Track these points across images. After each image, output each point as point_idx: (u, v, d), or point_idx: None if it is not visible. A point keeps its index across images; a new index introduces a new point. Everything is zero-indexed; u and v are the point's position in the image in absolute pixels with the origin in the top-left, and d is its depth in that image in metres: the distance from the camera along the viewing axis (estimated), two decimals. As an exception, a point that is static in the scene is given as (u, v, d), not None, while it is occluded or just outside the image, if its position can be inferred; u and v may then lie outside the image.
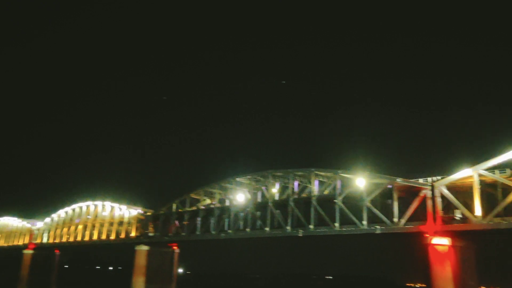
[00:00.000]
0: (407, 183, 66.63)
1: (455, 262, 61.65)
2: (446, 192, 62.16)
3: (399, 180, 67.07)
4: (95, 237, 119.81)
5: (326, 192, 77.86)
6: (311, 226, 74.99)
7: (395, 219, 65.91)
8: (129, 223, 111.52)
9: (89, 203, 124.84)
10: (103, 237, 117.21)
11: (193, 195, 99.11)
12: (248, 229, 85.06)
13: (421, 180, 66.48)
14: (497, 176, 59.03)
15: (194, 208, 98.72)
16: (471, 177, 60.37)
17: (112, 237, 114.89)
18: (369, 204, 68.52)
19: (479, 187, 59.47)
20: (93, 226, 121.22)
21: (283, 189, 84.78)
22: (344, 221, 71.43)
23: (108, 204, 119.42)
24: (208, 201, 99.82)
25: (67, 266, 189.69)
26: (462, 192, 62.98)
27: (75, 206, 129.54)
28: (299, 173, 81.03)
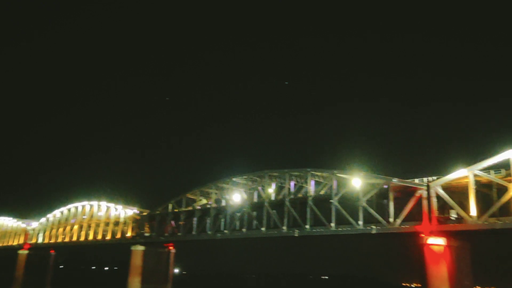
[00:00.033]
0: (403, 183, 66.82)
1: (450, 262, 61.91)
2: (441, 192, 62.38)
3: (395, 180, 67.25)
4: (90, 237, 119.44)
5: (322, 192, 77.98)
6: (307, 226, 75.05)
7: (391, 219, 66.07)
8: (125, 223, 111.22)
9: (85, 203, 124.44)
10: (99, 237, 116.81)
11: (189, 195, 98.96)
12: (244, 229, 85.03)
13: (416, 181, 66.68)
14: (492, 177, 59.30)
15: (190, 208, 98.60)
16: (466, 177, 60.63)
17: (108, 237, 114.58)
18: (365, 204, 68.65)
19: (475, 187, 59.76)
20: (89, 226, 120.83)
21: (279, 189, 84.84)
22: (340, 221, 71.54)
23: (103, 204, 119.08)
24: (204, 201, 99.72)
25: (62, 267, 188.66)
26: (458, 192, 63.26)
27: (71, 206, 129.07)
28: (295, 173, 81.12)
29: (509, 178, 57.71)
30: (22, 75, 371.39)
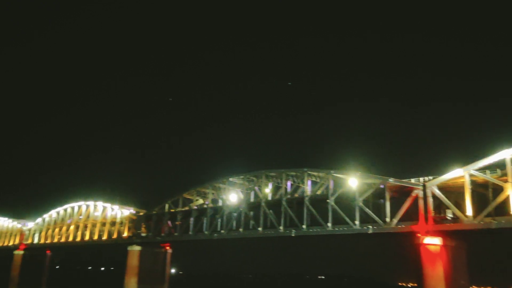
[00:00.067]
0: (399, 183, 67.01)
1: (446, 262, 62.14)
2: (437, 192, 62.60)
3: (391, 180, 67.42)
4: (87, 237, 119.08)
5: (319, 192, 78.06)
6: (304, 226, 75.14)
7: (387, 219, 66.24)
8: (121, 223, 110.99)
9: (81, 203, 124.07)
10: (95, 237, 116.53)
11: (186, 195, 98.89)
12: (241, 229, 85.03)
13: (413, 180, 66.89)
14: (488, 176, 59.57)
15: (187, 208, 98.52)
16: (462, 177, 60.90)
17: (104, 237, 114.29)
18: (361, 204, 68.80)
19: (470, 187, 60.02)
20: (85, 227, 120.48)
21: (276, 189, 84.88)
22: (337, 221, 71.69)
23: (100, 204, 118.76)
24: (201, 201, 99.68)
25: (58, 267, 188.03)
26: (454, 192, 63.52)
27: (67, 206, 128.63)
28: (292, 173, 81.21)
29: (504, 178, 57.93)
30: (22, 75, 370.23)
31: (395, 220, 65.55)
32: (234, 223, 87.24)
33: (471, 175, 60.22)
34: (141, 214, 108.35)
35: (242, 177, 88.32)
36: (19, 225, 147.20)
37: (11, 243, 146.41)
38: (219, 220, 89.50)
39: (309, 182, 78.59)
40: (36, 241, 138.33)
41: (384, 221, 66.48)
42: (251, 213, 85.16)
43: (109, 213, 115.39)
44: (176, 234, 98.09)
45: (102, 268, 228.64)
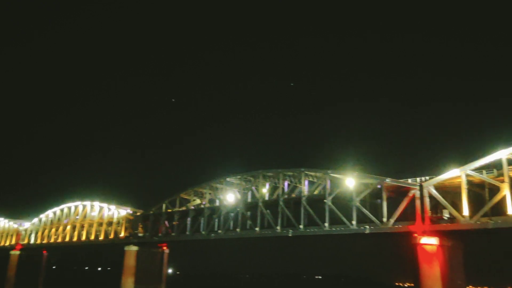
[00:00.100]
0: (396, 183, 67.13)
1: (443, 262, 62.27)
2: (434, 192, 62.75)
3: (388, 180, 67.54)
4: (83, 237, 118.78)
5: (316, 192, 78.09)
6: (301, 226, 75.16)
7: (384, 219, 66.33)
8: (118, 223, 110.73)
9: (78, 203, 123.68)
10: (92, 237, 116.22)
11: (183, 195, 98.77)
12: (238, 229, 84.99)
13: (410, 180, 67.01)
14: (485, 176, 59.75)
15: (184, 208, 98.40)
16: (459, 177, 61.06)
17: (101, 237, 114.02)
18: (358, 204, 68.88)
19: (467, 187, 60.18)
20: (82, 227, 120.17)
21: (273, 189, 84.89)
22: (334, 221, 71.73)
23: (97, 204, 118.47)
24: (198, 201, 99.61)
25: (55, 267, 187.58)
26: (450, 192, 63.72)
27: (64, 206, 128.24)
28: (289, 173, 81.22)
29: (501, 178, 58.14)
30: (22, 75, 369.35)
31: (392, 220, 65.65)
32: (231, 223, 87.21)
33: (467, 175, 60.38)
34: (138, 214, 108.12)
35: (239, 177, 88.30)
36: (15, 225, 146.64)
37: (7, 243, 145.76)
38: (216, 220, 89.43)
39: (306, 182, 78.59)
40: (32, 241, 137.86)
41: (381, 221, 66.56)
42: (248, 213, 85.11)
43: (106, 213, 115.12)
44: (173, 234, 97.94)
45: (99, 268, 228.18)
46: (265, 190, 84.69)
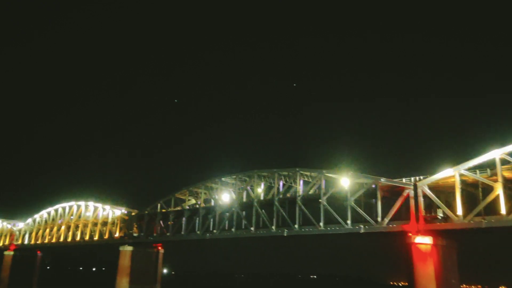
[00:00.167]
0: (390, 183, 67.39)
1: (437, 261, 62.60)
2: (428, 191, 63.08)
3: (383, 180, 67.80)
4: (78, 238, 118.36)
5: (311, 191, 78.23)
6: (296, 226, 75.30)
7: (379, 219, 66.60)
8: (113, 224, 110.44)
9: (72, 203, 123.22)
10: (86, 237, 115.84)
11: (178, 195, 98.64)
12: (233, 229, 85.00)
13: (404, 180, 67.30)
14: (478, 176, 60.11)
15: (179, 208, 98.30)
16: (452, 177, 61.40)
17: (96, 237, 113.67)
18: (353, 204, 69.10)
19: (461, 186, 60.56)
20: (76, 227, 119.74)
21: (268, 188, 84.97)
22: (329, 220, 71.91)
23: (91, 204, 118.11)
24: (193, 201, 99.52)
25: (49, 268, 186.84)
26: (444, 191, 64.10)
27: (58, 206, 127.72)
28: (284, 172, 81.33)
29: (494, 178, 58.55)
30: (22, 75, 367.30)
31: (386, 220, 65.90)
32: (227, 223, 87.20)
33: (461, 175, 60.76)
34: (133, 214, 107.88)
35: (234, 177, 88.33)
36: (9, 226, 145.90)
37: (1, 244, 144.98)
38: (212, 220, 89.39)
39: (301, 182, 78.74)
40: (26, 241, 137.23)
41: (376, 221, 66.81)
42: (244, 213, 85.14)
43: (100, 213, 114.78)
44: (168, 234, 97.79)
45: (94, 269, 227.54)
46: (260, 190, 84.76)
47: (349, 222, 69.16)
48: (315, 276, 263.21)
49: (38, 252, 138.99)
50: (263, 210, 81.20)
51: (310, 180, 78.80)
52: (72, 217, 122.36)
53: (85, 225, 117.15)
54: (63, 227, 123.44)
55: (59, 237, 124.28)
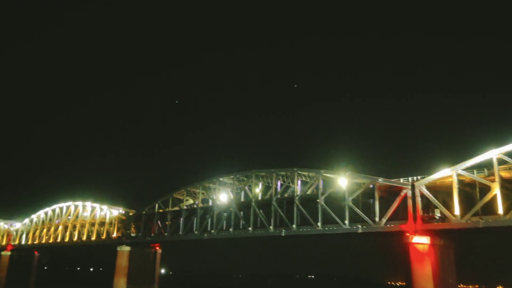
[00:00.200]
0: (388, 183, 67.51)
1: (434, 260, 62.75)
2: (426, 191, 63.21)
3: (380, 180, 67.90)
4: (75, 238, 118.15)
5: (309, 192, 78.28)
6: (294, 226, 75.33)
7: (377, 219, 66.69)
8: (110, 224, 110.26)
9: (70, 203, 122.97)
10: (84, 238, 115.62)
11: (175, 195, 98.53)
12: (231, 229, 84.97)
13: (402, 180, 67.41)
14: (475, 176, 60.29)
15: (176, 208, 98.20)
16: (450, 177, 61.58)
17: (93, 238, 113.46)
18: (351, 204, 69.18)
19: (458, 186, 60.71)
20: (74, 227, 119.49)
21: (266, 189, 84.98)
22: (327, 220, 71.98)
23: (89, 204, 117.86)
24: (191, 201, 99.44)
25: (46, 268, 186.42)
26: (442, 191, 64.23)
27: (55, 206, 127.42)
28: (282, 172, 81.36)
29: (491, 177, 58.71)
30: (22, 75, 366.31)
31: (384, 220, 66.02)
32: (224, 223, 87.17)
33: (458, 175, 60.93)
34: (130, 214, 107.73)
35: (232, 177, 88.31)
36: (6, 226, 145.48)
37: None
38: (209, 220, 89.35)
39: (299, 182, 78.80)
40: (24, 242, 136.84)
41: (374, 221, 66.91)
42: (241, 213, 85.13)
43: (98, 213, 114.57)
44: (166, 234, 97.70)
45: (91, 269, 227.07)
46: (258, 190, 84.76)
47: (347, 222, 69.24)
48: (313, 276, 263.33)
49: (36, 252, 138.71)
50: (261, 210, 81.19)
51: (308, 180, 78.85)
52: (69, 217, 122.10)
53: (83, 225, 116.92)
54: (60, 227, 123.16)
55: (56, 237, 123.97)
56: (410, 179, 66.73)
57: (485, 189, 59.00)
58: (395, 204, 65.29)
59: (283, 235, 77.09)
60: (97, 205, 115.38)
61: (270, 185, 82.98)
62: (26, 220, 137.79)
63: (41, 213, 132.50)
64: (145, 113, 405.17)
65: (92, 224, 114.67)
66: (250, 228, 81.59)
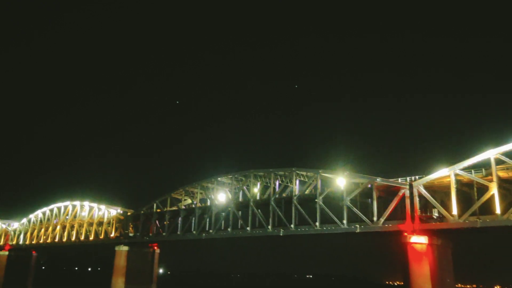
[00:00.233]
0: (386, 183, 67.59)
1: (432, 260, 62.88)
2: (424, 191, 63.31)
3: (378, 179, 67.97)
4: (73, 238, 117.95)
5: (307, 191, 78.30)
6: (292, 226, 75.38)
7: (375, 218, 66.79)
8: (108, 223, 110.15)
9: (68, 203, 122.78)
10: (82, 238, 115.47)
11: (174, 195, 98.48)
12: (229, 229, 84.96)
13: (400, 180, 67.51)
14: (473, 176, 60.41)
15: (175, 208, 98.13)
16: (448, 176, 61.68)
17: (91, 237, 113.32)
18: (349, 204, 69.25)
19: (456, 186, 60.83)
20: (72, 227, 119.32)
21: (264, 188, 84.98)
22: (325, 220, 72.05)
23: (87, 204, 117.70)
24: (189, 201, 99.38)
25: (44, 268, 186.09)
26: (440, 191, 64.40)
27: (53, 206, 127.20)
28: (281, 172, 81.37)
29: (489, 177, 58.85)
30: (22, 75, 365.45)
31: (382, 219, 66.11)
32: (223, 223, 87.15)
33: (456, 175, 61.04)
34: (129, 214, 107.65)
35: (230, 176, 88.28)
36: (4, 226, 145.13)
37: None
38: (208, 219, 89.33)
39: (297, 182, 78.84)
40: (21, 241, 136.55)
41: (372, 221, 67.01)
42: (240, 212, 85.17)
43: (96, 213, 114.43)
44: (164, 234, 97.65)
45: (89, 269, 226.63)
46: (256, 190, 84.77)
47: (345, 221, 69.31)
48: (311, 276, 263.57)
49: (33, 252, 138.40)
50: (259, 210, 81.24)
51: (306, 180, 78.90)
52: (67, 217, 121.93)
53: (81, 225, 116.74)
54: (58, 227, 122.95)
55: (54, 237, 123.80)
56: (408, 179, 66.85)
57: (483, 189, 59.17)
58: (393, 204, 65.38)
59: (281, 235, 77.13)
60: (95, 205, 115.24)
61: (269, 185, 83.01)
62: (24, 220, 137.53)
63: (39, 213, 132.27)
64: (145, 113, 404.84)
65: (90, 224, 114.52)
66: (248, 228, 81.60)
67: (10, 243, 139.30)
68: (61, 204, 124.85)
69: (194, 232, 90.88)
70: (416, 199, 63.90)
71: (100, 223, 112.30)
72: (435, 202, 62.24)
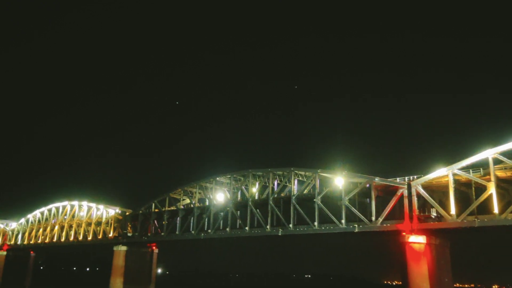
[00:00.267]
0: (384, 182, 67.69)
1: (430, 260, 63.00)
2: (422, 191, 63.44)
3: (377, 179, 68.06)
4: (72, 238, 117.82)
5: (305, 191, 78.36)
6: (291, 225, 75.43)
7: (373, 218, 66.89)
8: (107, 223, 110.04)
9: (66, 203, 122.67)
10: (80, 237, 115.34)
11: (172, 195, 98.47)
12: (228, 229, 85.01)
13: (398, 180, 67.62)
14: (471, 176, 60.54)
15: (173, 208, 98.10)
16: (446, 176, 61.82)
17: (90, 237, 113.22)
18: (347, 203, 69.33)
19: (454, 186, 60.96)
20: (70, 227, 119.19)
21: (263, 188, 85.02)
22: (323, 220, 72.15)
23: (85, 204, 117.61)
24: (187, 200, 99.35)
25: (42, 268, 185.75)
26: (438, 191, 64.54)
27: (51, 206, 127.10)
28: (279, 172, 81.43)
29: (487, 177, 59.00)
30: (22, 75, 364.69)
31: (380, 219, 66.20)
32: (221, 223, 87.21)
33: (454, 175, 61.16)
34: (127, 214, 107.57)
35: (229, 176, 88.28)
36: (2, 226, 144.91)
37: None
38: (206, 219, 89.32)
39: (296, 182, 78.87)
40: (19, 241, 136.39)
41: (370, 220, 67.12)
42: (238, 212, 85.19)
43: (94, 213, 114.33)
44: (162, 234, 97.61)
45: (87, 269, 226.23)
46: (255, 190, 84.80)
47: (343, 221, 69.40)
48: (309, 276, 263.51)
49: (31, 252, 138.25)
50: (257, 210, 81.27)
51: (305, 179, 78.95)
52: (65, 217, 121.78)
53: (79, 225, 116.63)
54: (56, 227, 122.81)
55: (52, 237, 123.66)
56: (406, 178, 66.97)
57: (481, 189, 59.31)
58: (391, 204, 65.50)
59: (280, 234, 77.20)
60: (93, 205, 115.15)
61: (267, 184, 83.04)
62: (22, 220, 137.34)
63: (37, 213, 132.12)
64: (145, 113, 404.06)
65: (89, 224, 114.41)
66: (247, 228, 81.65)
67: (8, 243, 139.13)
68: (59, 204, 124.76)
69: (193, 232, 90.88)
70: (414, 199, 64.01)
71: (98, 223, 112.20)
72: (433, 201, 62.35)
